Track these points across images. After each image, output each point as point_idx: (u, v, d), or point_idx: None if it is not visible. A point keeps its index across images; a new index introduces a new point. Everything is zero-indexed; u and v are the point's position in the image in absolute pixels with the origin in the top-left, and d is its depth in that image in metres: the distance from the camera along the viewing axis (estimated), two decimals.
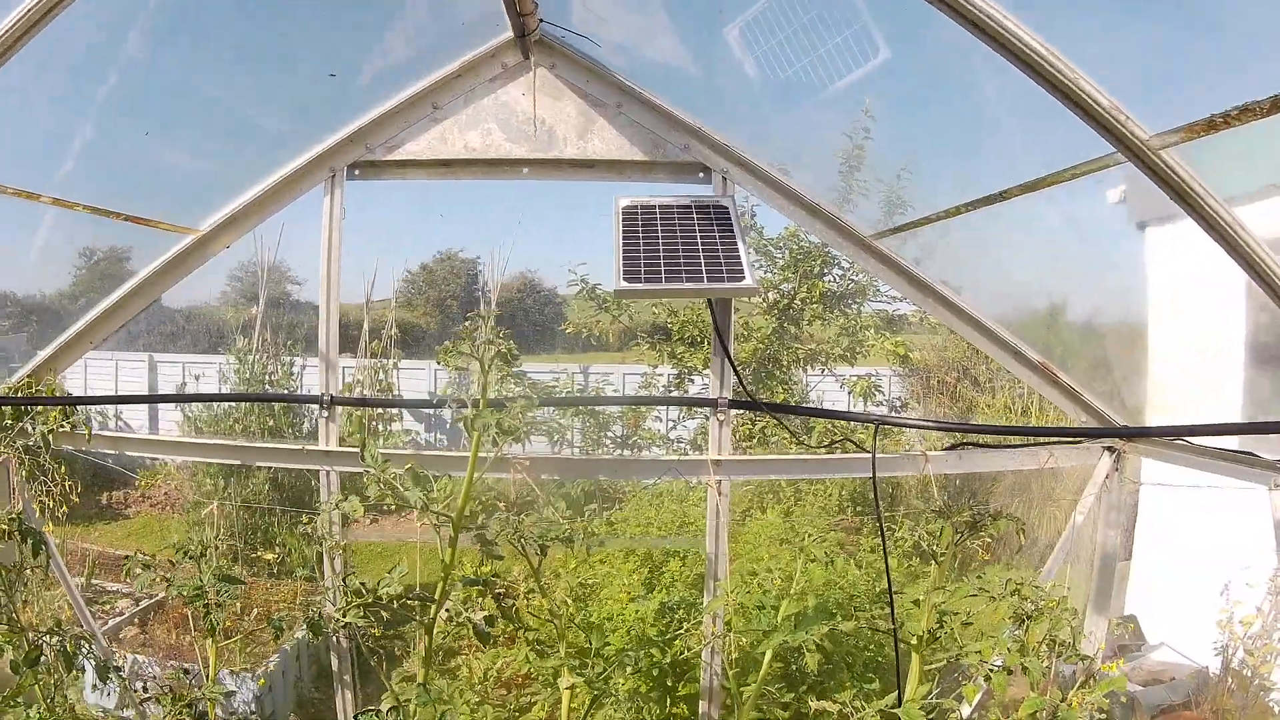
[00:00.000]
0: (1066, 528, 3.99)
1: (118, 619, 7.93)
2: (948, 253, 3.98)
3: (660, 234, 3.19)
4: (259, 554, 9.39)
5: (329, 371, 3.81)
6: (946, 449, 3.64)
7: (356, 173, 3.82)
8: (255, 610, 7.96)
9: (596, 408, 9.80)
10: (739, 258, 3.04)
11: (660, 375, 10.01)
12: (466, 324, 3.03)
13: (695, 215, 3.34)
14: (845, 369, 10.11)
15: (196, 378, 14.38)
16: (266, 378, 11.53)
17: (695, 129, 3.53)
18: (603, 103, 3.58)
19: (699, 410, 8.82)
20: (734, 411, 3.49)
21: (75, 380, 14.43)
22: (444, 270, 29.86)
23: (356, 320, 12.75)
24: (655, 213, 3.35)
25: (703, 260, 3.02)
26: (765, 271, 9.72)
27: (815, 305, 9.53)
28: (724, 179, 3.55)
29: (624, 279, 2.94)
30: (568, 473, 3.47)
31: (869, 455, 3.34)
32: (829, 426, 7.37)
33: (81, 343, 4.06)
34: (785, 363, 9.54)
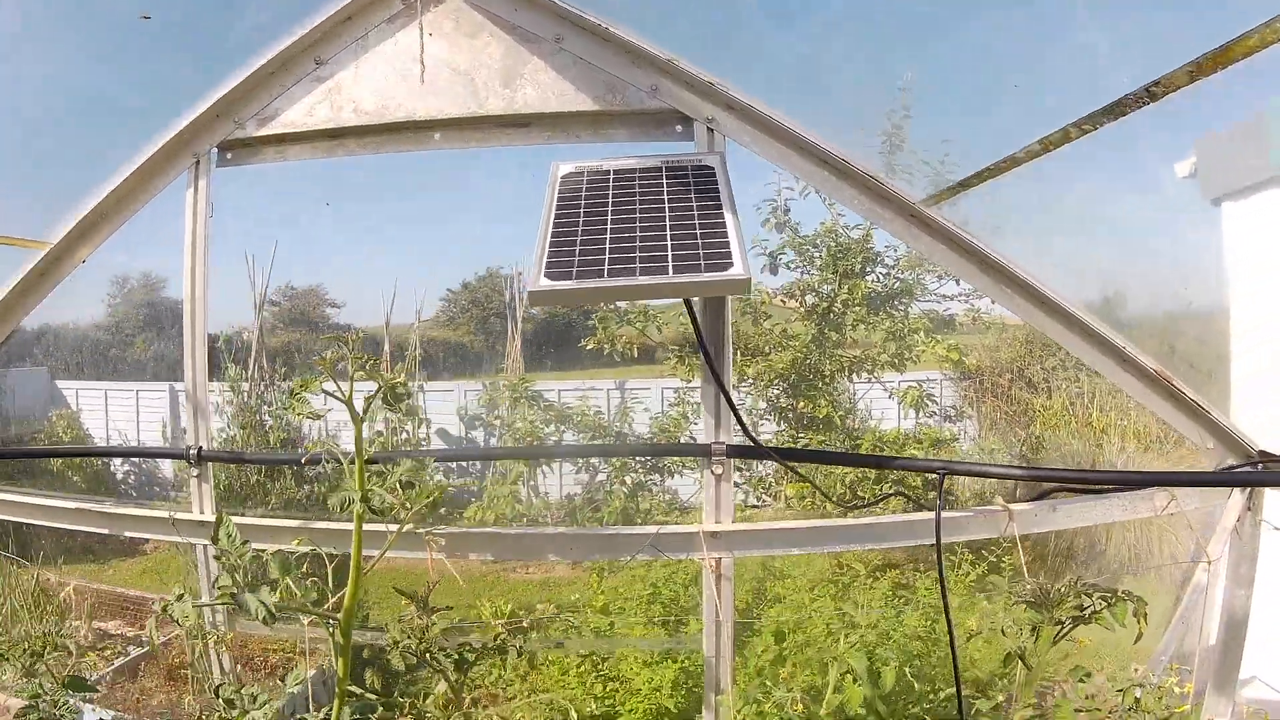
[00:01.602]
0: (1187, 590, 2.89)
1: (110, 670, 7.13)
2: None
3: (611, 209, 2.17)
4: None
5: (199, 418, 2.88)
6: (1034, 499, 2.55)
7: (228, 155, 2.90)
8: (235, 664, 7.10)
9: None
10: (725, 237, 2.00)
11: (695, 389, 9.09)
12: (330, 354, 2.06)
13: (666, 181, 2.32)
14: (893, 376, 9.06)
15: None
16: (264, 409, 10.91)
17: (666, 64, 2.49)
18: (536, 37, 2.57)
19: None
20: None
21: (96, 413, 13.86)
22: (485, 288, 29.37)
23: (396, 342, 12.64)
24: (607, 180, 2.33)
25: (670, 244, 2.00)
26: (802, 273, 8.67)
27: (858, 308, 8.52)
28: (709, 130, 2.50)
29: (545, 275, 1.91)
30: (504, 552, 2.50)
31: (930, 515, 2.30)
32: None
33: None
34: (828, 372, 8.53)
